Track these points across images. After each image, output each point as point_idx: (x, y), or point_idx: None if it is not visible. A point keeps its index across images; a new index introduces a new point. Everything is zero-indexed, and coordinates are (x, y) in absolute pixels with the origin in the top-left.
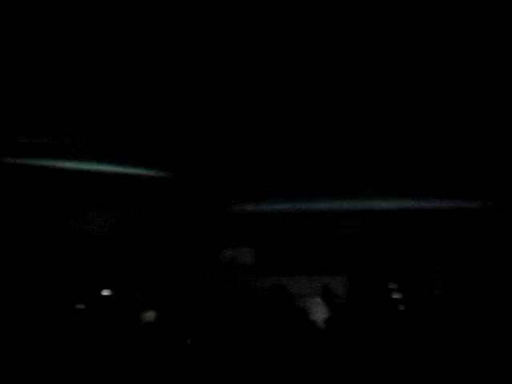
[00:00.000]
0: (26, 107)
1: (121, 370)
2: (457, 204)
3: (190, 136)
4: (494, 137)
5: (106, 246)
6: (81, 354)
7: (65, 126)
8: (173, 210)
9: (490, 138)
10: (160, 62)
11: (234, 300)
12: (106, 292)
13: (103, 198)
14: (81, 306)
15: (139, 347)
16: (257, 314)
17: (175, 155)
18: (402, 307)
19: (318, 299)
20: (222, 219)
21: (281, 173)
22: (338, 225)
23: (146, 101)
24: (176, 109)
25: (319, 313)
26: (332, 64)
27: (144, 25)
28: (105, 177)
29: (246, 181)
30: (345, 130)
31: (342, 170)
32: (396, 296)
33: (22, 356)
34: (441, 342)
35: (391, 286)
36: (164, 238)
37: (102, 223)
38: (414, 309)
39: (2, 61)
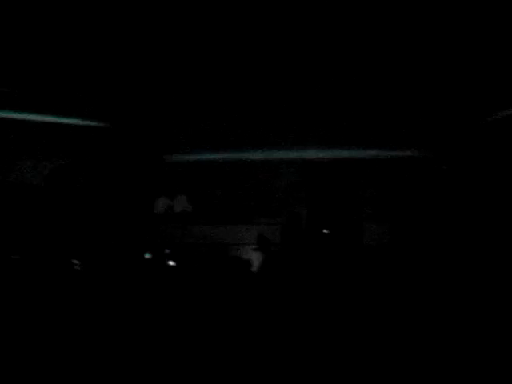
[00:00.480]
0: None
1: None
2: (387, 152)
3: (127, 85)
4: (422, 85)
5: (42, 197)
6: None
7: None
8: (109, 160)
9: (418, 86)
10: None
11: (172, 249)
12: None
13: (39, 148)
14: (16, 257)
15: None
16: (195, 264)
17: (113, 104)
18: (335, 253)
19: (254, 247)
20: (157, 168)
21: (217, 122)
22: (274, 174)
23: (82, 49)
24: (113, 56)
25: (256, 260)
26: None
27: None
28: (40, 127)
29: (182, 130)
30: (279, 79)
31: (278, 119)
32: (329, 241)
33: None
34: (374, 288)
35: (325, 231)
36: (100, 189)
37: (37, 174)
38: (347, 255)
39: None
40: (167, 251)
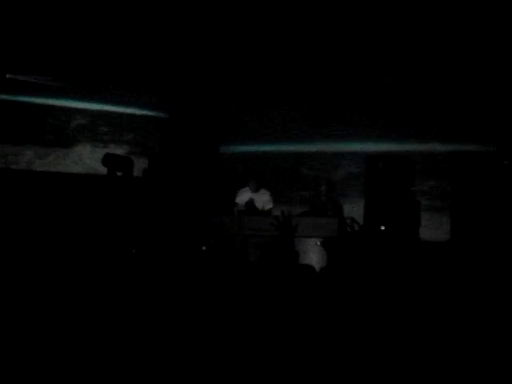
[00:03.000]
0: None
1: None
2: (448, 146)
3: (186, 76)
4: (486, 78)
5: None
6: None
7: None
8: (166, 149)
9: (483, 80)
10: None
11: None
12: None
13: (98, 135)
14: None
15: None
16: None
17: (171, 95)
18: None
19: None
20: (214, 159)
21: (276, 113)
22: (332, 166)
23: (140, 41)
24: (174, 49)
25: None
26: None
27: None
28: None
29: (239, 121)
30: (338, 73)
31: (337, 111)
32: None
33: None
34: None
35: (382, 228)
36: (158, 178)
37: (94, 158)
38: (405, 250)
39: None
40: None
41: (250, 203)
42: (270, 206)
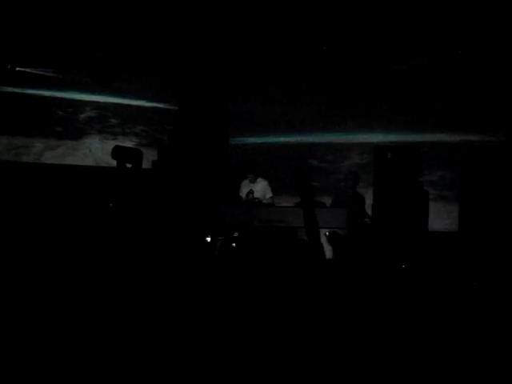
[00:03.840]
0: None
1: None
2: (457, 137)
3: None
4: (494, 68)
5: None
6: None
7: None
8: (176, 140)
9: (491, 70)
10: None
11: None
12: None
13: (107, 127)
14: None
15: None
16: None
17: (180, 88)
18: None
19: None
20: (223, 150)
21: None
22: (340, 156)
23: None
24: (184, 43)
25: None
26: None
27: None
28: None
29: (249, 113)
30: (348, 66)
31: (346, 103)
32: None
33: None
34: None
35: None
36: (165, 169)
37: (102, 150)
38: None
39: None
40: (235, 234)
41: (251, 194)
42: (269, 194)
